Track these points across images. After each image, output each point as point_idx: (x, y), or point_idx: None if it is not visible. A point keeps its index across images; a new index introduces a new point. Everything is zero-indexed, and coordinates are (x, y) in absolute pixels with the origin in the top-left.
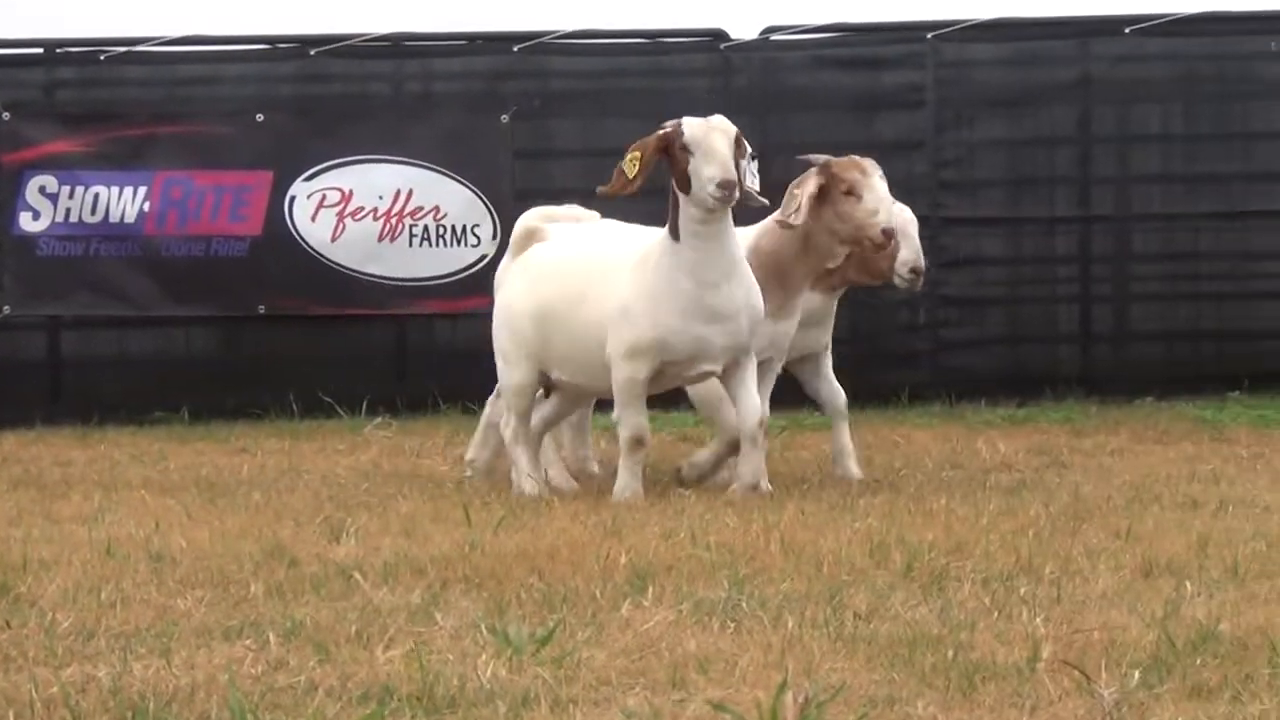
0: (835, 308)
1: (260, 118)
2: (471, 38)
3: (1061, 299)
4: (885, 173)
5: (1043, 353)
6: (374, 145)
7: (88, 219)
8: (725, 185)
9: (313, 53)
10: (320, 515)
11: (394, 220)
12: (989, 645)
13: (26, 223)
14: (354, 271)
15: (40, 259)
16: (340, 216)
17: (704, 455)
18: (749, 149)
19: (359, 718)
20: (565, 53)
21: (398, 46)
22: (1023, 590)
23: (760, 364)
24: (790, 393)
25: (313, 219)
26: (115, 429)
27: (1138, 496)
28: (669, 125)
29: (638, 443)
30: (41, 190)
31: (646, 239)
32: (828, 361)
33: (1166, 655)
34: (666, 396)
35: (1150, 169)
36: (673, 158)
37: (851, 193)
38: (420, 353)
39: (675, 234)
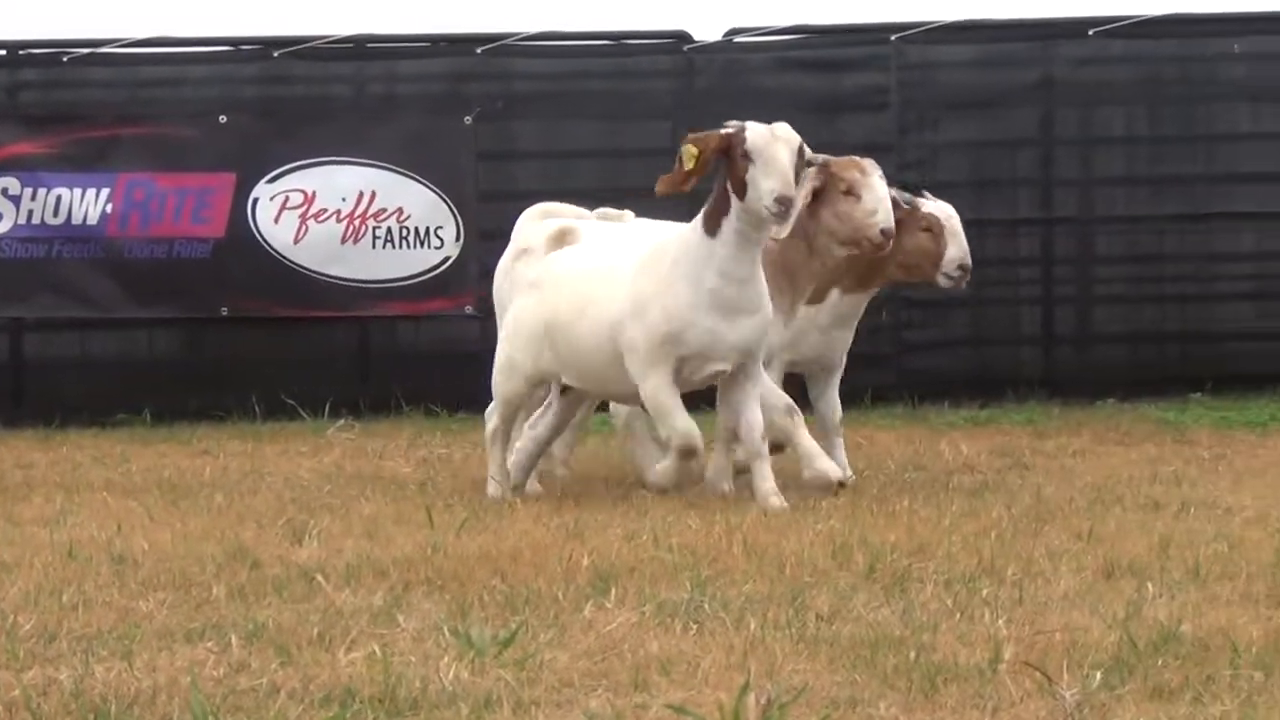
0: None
1: (223, 119)
2: (435, 39)
3: (1024, 301)
4: None
5: (1005, 354)
6: (337, 147)
7: (50, 221)
8: (783, 201)
9: (276, 54)
10: (283, 517)
11: (357, 222)
12: (951, 646)
13: None
14: (317, 273)
15: (2, 261)
16: (303, 218)
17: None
18: (809, 154)
19: None
20: (528, 54)
21: (361, 48)
22: (985, 591)
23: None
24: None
25: (276, 221)
26: (77, 431)
27: (1100, 498)
28: (732, 126)
29: (690, 452)
30: (4, 192)
31: (654, 239)
32: (839, 373)
33: (1128, 656)
34: None
35: (1114, 171)
36: (732, 161)
37: (850, 192)
38: (383, 355)
39: (712, 230)
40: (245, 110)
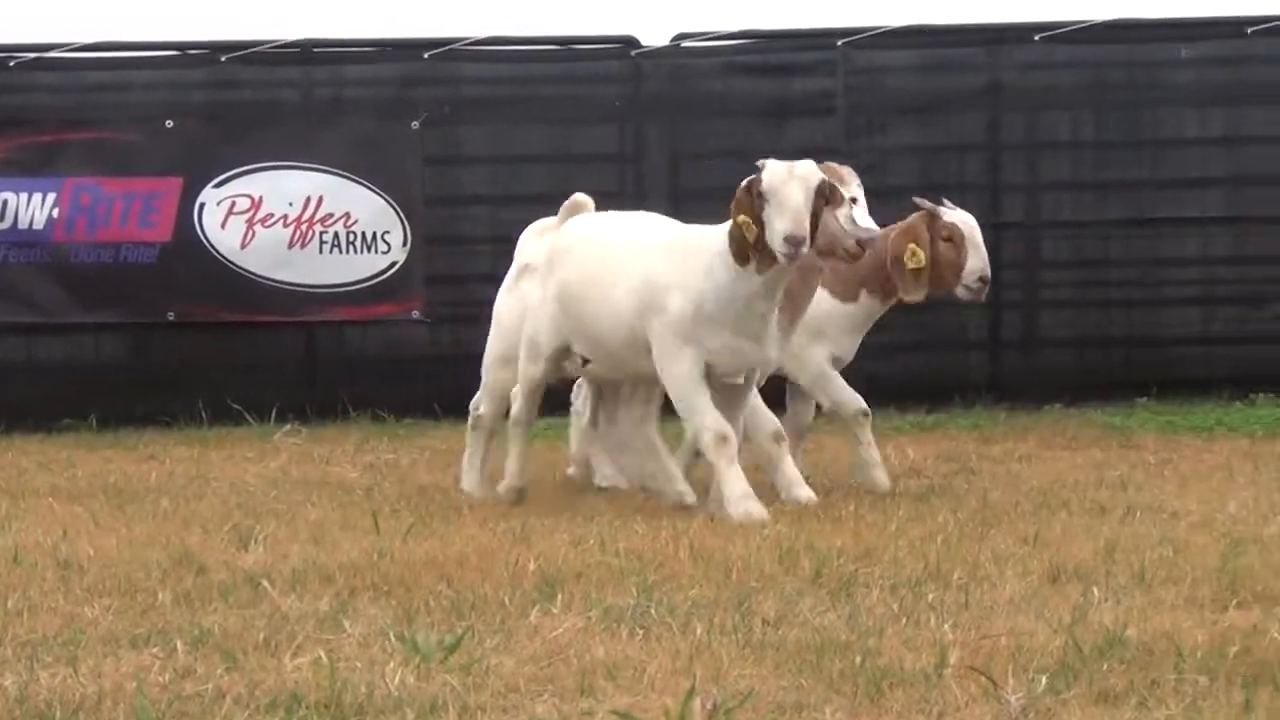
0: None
1: (170, 124)
2: (382, 44)
3: (971, 305)
4: None
5: (952, 359)
6: (284, 152)
7: None
8: (792, 241)
9: (223, 59)
10: (229, 523)
11: (304, 227)
12: (896, 651)
13: None
14: (264, 278)
15: None
16: (250, 223)
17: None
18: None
19: None
20: (476, 59)
21: (308, 53)
22: (930, 596)
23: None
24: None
25: (222, 225)
26: (23, 436)
27: (1045, 502)
28: (760, 163)
29: (723, 439)
30: None
31: (679, 229)
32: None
33: (1073, 661)
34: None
35: (1060, 176)
36: (753, 199)
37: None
38: (330, 360)
39: (743, 259)
40: (192, 115)
